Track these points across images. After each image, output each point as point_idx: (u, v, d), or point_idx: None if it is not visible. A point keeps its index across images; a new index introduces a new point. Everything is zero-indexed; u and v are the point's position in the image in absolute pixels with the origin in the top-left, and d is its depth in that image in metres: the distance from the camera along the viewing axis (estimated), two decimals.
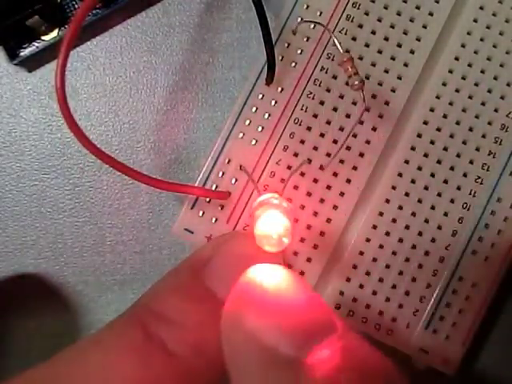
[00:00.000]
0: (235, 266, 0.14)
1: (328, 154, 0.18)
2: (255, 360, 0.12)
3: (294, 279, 0.14)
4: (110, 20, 0.19)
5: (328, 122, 0.18)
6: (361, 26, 0.18)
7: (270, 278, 0.13)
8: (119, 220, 0.19)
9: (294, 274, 0.14)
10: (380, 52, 0.18)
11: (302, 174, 0.18)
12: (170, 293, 0.14)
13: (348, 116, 0.18)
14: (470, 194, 0.18)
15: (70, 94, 0.17)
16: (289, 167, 0.18)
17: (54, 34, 0.19)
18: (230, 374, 0.12)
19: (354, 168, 0.18)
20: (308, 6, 0.18)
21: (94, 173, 0.19)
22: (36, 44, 0.19)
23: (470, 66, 0.18)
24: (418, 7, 0.18)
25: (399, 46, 0.18)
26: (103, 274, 0.19)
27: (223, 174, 0.18)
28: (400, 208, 0.18)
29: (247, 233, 0.16)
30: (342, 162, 0.18)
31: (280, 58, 0.18)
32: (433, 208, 0.18)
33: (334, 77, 0.18)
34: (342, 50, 0.16)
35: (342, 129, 0.18)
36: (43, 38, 0.19)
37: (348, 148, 0.18)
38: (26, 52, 0.19)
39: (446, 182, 0.18)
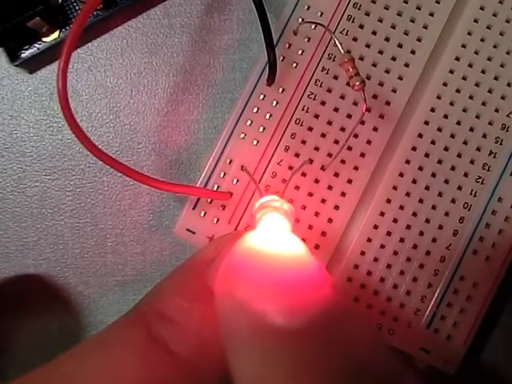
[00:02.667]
0: None
1: (329, 155, 0.18)
2: (244, 328, 0.12)
3: (291, 248, 0.13)
4: (110, 21, 0.19)
5: (329, 123, 0.18)
6: (362, 27, 0.18)
7: (262, 245, 0.13)
8: (120, 221, 0.19)
9: (296, 243, 0.14)
10: (381, 52, 0.18)
11: (304, 175, 0.18)
12: (173, 293, 0.14)
13: (349, 116, 0.18)
14: (471, 193, 0.18)
15: (70, 95, 0.17)
16: (290, 167, 0.18)
17: (55, 35, 0.19)
18: (224, 344, 0.12)
19: (355, 168, 0.18)
20: (309, 7, 0.18)
21: (94, 174, 0.19)
22: (37, 45, 0.19)
23: (470, 66, 0.18)
24: (418, 8, 0.18)
25: (400, 46, 0.18)
26: (104, 275, 0.19)
27: (225, 174, 0.18)
28: (401, 208, 0.18)
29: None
30: (343, 162, 0.18)
31: (281, 58, 0.18)
32: (434, 208, 0.18)
33: (335, 77, 0.18)
34: (343, 51, 0.16)
35: (343, 129, 0.18)
36: (44, 39, 0.19)
37: (349, 148, 0.18)
38: (27, 53, 0.19)
39: (446, 181, 0.18)
